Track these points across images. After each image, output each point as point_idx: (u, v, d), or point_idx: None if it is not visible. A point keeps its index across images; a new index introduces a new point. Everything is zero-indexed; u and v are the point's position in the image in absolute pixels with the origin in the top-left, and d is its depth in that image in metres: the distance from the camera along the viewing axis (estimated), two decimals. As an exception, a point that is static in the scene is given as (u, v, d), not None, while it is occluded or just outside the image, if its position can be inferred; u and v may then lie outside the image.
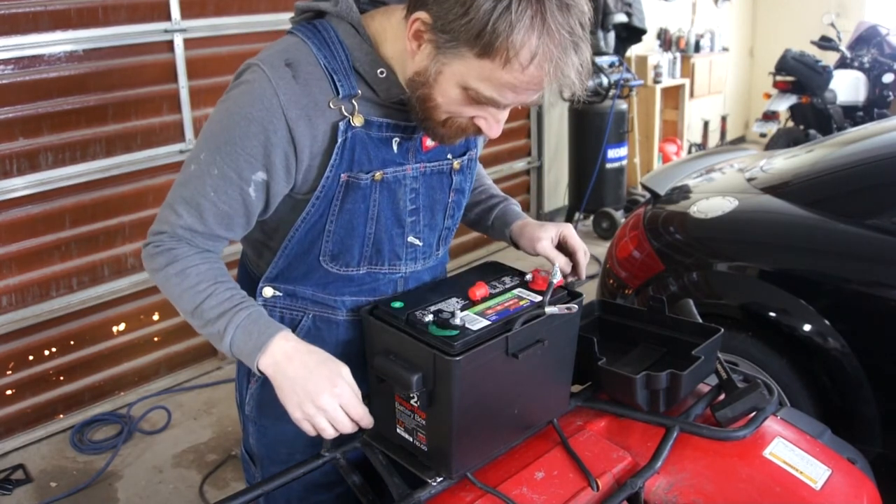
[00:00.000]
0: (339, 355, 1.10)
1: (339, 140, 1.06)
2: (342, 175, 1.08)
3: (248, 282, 1.24)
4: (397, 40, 1.05)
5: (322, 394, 1.01)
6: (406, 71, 1.04)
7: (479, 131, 1.05)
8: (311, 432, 1.04)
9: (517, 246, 1.37)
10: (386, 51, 1.07)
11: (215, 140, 1.06)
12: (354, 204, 1.10)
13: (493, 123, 1.03)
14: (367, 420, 1.05)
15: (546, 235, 1.30)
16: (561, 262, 1.28)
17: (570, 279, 1.31)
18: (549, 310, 1.05)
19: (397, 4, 1.07)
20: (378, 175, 1.10)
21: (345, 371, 1.05)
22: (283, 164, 1.06)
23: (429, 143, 1.14)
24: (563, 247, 1.32)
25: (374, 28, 1.08)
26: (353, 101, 1.06)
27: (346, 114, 1.06)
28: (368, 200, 1.11)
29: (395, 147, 1.11)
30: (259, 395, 1.26)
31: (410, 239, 1.19)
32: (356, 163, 1.08)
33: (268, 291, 1.19)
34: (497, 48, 0.90)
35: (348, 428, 1.04)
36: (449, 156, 1.19)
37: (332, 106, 1.05)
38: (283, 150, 1.05)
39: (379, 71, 1.06)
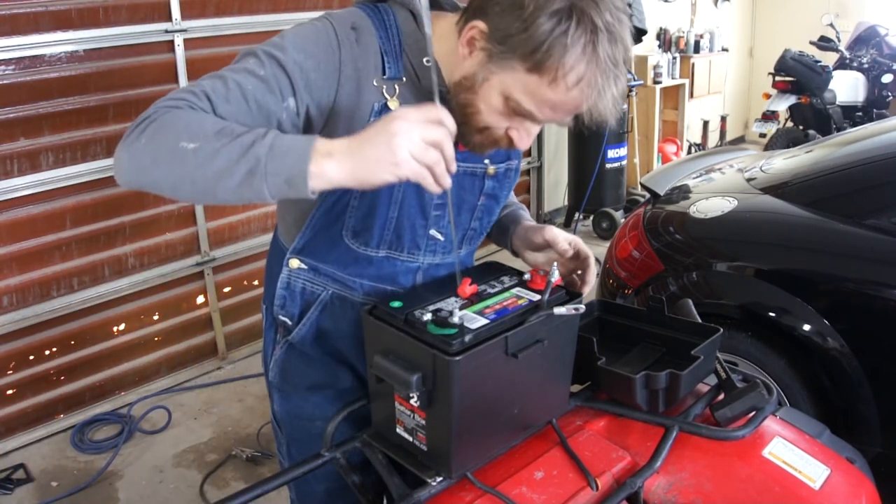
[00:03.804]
0: (353, 335, 1.16)
1: (371, 120, 1.07)
2: None
3: (279, 255, 1.26)
4: (443, 41, 1.08)
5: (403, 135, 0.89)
6: (452, 73, 1.07)
7: (510, 144, 1.08)
8: (432, 187, 0.93)
9: (514, 249, 1.36)
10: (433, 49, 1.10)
11: (269, 48, 1.04)
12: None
13: (525, 136, 1.07)
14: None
15: (558, 230, 1.30)
16: (563, 246, 1.26)
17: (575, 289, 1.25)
18: (557, 310, 1.05)
19: (448, 11, 1.14)
20: None
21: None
22: (317, 110, 1.06)
23: None
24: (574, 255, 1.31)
25: None
26: (396, 85, 1.10)
27: (386, 95, 1.09)
28: (393, 185, 1.09)
29: None
30: (282, 362, 1.29)
31: (433, 232, 1.21)
32: None
33: (293, 263, 1.22)
34: (548, 66, 0.94)
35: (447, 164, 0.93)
36: (486, 161, 1.21)
37: (375, 84, 1.08)
38: (322, 96, 1.05)
39: (426, 60, 1.08)
